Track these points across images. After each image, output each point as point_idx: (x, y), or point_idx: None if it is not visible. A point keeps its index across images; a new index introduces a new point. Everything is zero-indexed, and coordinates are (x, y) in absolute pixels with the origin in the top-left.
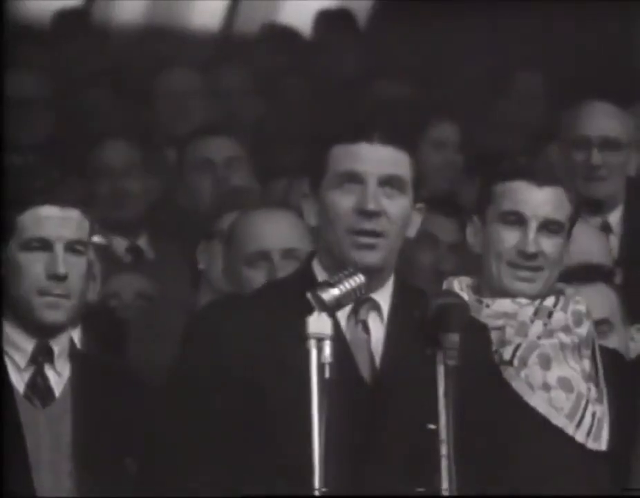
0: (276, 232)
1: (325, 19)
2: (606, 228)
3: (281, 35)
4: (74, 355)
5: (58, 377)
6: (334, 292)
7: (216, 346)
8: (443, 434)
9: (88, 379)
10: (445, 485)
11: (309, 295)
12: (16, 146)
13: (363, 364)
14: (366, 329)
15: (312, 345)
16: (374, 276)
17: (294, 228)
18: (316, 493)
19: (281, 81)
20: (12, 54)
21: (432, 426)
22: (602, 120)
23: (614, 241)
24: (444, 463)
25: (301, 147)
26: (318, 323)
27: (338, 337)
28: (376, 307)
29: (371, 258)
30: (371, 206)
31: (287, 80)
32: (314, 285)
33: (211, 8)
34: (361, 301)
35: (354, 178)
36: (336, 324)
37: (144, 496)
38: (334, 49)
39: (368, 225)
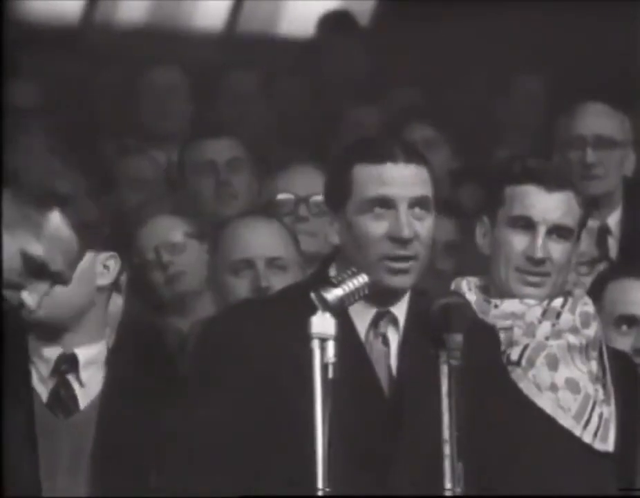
0: (261, 240)
1: (328, 20)
2: (605, 230)
3: (283, 37)
4: (110, 363)
5: (83, 387)
6: (338, 292)
7: (234, 348)
8: (446, 434)
9: (122, 387)
10: (448, 485)
11: (312, 295)
12: None
13: (382, 376)
14: (386, 342)
15: (316, 345)
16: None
17: (279, 237)
18: (319, 493)
19: (284, 82)
20: (12, 61)
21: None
22: (595, 118)
23: (613, 243)
24: (447, 463)
25: (302, 149)
26: (322, 323)
27: (358, 350)
28: (394, 320)
29: (404, 282)
30: (405, 233)
31: (290, 82)
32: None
33: (214, 9)
34: (380, 314)
35: (385, 203)
36: (355, 336)
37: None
38: (337, 50)
39: (403, 251)
